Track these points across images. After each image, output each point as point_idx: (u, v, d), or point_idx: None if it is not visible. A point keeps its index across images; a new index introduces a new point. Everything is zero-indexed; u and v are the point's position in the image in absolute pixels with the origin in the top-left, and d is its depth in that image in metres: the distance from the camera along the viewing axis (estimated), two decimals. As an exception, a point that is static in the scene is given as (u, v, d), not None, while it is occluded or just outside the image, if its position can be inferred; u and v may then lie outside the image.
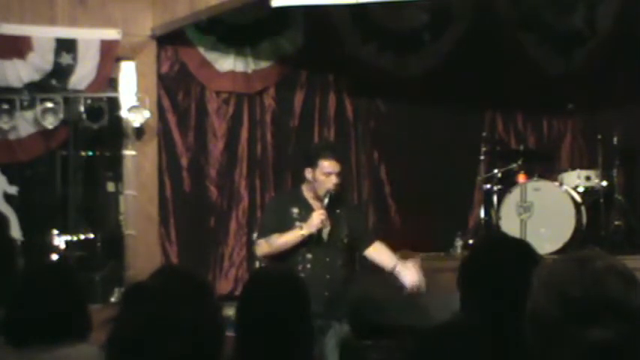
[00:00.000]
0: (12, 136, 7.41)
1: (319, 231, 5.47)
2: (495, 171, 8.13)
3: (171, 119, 8.00)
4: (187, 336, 1.98)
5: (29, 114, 7.40)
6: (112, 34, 7.58)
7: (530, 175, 7.93)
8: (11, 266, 4.37)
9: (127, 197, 7.92)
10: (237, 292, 6.14)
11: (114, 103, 7.80)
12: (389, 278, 5.68)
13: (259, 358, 2.74)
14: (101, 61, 7.52)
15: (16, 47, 7.28)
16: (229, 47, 8.13)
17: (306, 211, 5.53)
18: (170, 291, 2.05)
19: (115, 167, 8.12)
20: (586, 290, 1.72)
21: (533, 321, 1.79)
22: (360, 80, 8.78)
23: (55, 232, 7.71)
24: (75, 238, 7.83)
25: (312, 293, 2.94)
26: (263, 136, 8.37)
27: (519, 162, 8.05)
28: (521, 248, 2.64)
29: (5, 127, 7.31)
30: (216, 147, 8.17)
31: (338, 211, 5.59)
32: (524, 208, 7.61)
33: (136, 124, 7.71)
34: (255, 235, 6.57)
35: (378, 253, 5.71)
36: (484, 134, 8.52)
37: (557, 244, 7.30)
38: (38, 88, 7.40)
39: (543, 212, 7.55)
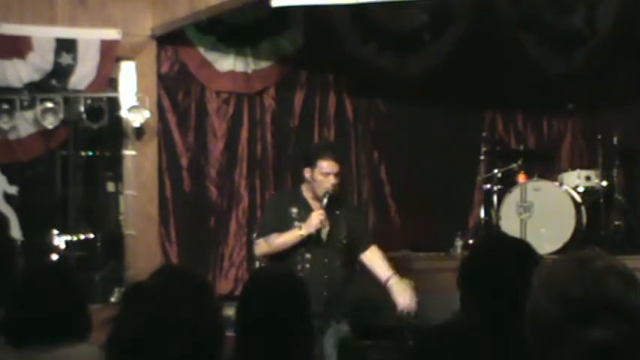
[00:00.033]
0: (12, 136, 7.41)
1: (318, 231, 5.46)
2: (495, 171, 8.13)
3: (171, 119, 8.00)
4: (187, 336, 1.98)
5: (29, 114, 7.40)
6: (112, 34, 7.58)
7: (530, 175, 7.92)
8: (11, 266, 4.38)
9: (127, 197, 7.92)
10: (237, 292, 6.15)
11: (114, 103, 7.80)
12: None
13: (259, 358, 2.75)
14: (101, 61, 7.52)
15: (16, 47, 7.28)
16: (229, 47, 8.13)
17: (306, 211, 5.52)
18: (170, 291, 2.05)
19: (115, 167, 8.12)
20: (586, 290, 1.72)
21: (533, 321, 1.79)
22: (360, 80, 8.78)
23: (55, 232, 7.71)
24: (75, 238, 7.83)
25: (310, 293, 2.94)
26: (263, 136, 8.37)
27: (519, 162, 8.05)
28: (521, 248, 2.64)
29: (5, 127, 7.31)
30: (216, 147, 8.18)
31: (337, 211, 5.58)
32: (524, 208, 7.61)
33: (136, 124, 7.71)
34: (254, 235, 6.57)
35: (374, 260, 5.65)
36: (484, 134, 8.52)
37: (557, 244, 7.30)
38: (38, 88, 7.40)
39: (543, 212, 7.54)
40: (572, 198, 7.58)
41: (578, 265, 1.77)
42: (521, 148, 8.32)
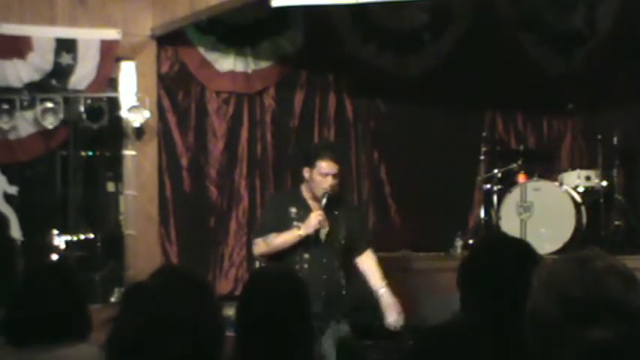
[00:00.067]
0: (12, 136, 7.41)
1: (317, 232, 5.45)
2: (495, 171, 8.13)
3: (171, 119, 8.00)
4: (187, 336, 1.98)
5: (29, 114, 7.40)
6: (112, 34, 7.58)
7: (530, 175, 7.92)
8: (11, 266, 4.38)
9: (127, 197, 7.92)
10: (237, 292, 6.14)
11: (114, 103, 7.80)
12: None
13: (259, 358, 2.74)
14: (101, 61, 7.52)
15: (16, 47, 7.28)
16: (229, 47, 8.13)
17: (305, 211, 5.51)
18: (170, 291, 2.05)
19: (115, 167, 8.12)
20: (586, 290, 1.72)
21: (533, 321, 1.79)
22: (360, 80, 8.78)
23: (55, 232, 7.71)
24: (75, 238, 7.83)
25: (309, 293, 2.94)
26: (263, 136, 8.37)
27: (519, 162, 8.05)
28: (521, 248, 2.64)
29: (5, 127, 7.31)
30: (216, 147, 8.18)
31: (336, 212, 5.57)
32: (524, 208, 7.61)
33: (136, 124, 7.71)
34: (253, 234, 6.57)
35: (367, 267, 5.67)
36: (484, 134, 8.52)
37: (557, 244, 7.30)
38: (38, 88, 7.40)
39: (543, 212, 7.54)
40: (572, 198, 7.58)
41: (578, 265, 1.77)
42: (521, 148, 8.32)
